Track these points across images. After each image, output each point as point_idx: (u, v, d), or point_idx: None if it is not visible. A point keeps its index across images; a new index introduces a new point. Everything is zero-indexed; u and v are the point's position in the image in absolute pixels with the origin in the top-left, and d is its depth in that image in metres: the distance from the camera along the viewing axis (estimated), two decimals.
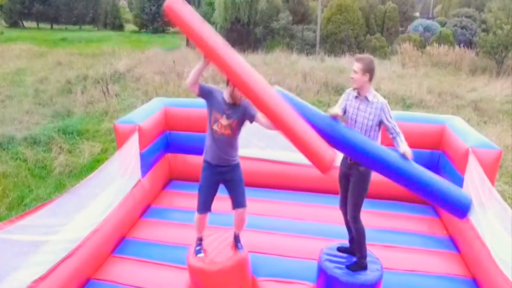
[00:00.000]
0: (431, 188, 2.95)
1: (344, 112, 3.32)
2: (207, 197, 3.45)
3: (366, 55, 3.22)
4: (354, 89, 3.24)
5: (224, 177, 3.40)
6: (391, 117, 3.20)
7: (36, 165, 7.36)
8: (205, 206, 3.46)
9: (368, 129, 3.22)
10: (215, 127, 3.26)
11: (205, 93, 3.25)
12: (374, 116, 3.18)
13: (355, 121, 3.25)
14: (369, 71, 3.11)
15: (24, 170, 7.10)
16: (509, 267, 3.38)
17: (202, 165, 3.42)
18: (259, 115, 3.22)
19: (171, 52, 18.67)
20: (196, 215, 3.49)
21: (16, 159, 7.49)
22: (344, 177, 3.45)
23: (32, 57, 18.21)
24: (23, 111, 10.27)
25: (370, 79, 3.15)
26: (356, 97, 3.25)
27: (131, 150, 4.62)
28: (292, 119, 2.87)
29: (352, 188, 3.36)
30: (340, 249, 3.69)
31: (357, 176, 3.31)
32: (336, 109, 3.18)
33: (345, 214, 3.56)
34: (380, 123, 3.22)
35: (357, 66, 3.12)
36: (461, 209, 2.92)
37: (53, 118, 9.91)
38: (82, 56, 18.50)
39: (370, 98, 3.18)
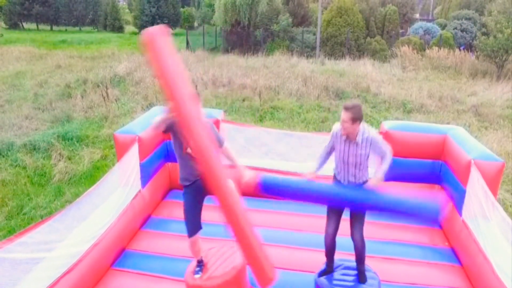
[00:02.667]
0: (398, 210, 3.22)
1: (331, 150, 3.44)
2: (195, 219, 3.43)
3: (354, 103, 3.21)
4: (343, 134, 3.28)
5: (207, 191, 3.24)
6: (381, 145, 3.26)
7: (36, 173, 7.29)
8: (195, 228, 3.44)
9: (358, 165, 3.32)
10: (189, 150, 3.20)
11: (169, 127, 3.17)
12: (364, 154, 3.27)
13: (347, 162, 3.32)
14: (359, 119, 3.16)
15: (23, 177, 7.05)
16: (511, 281, 3.35)
17: (183, 191, 3.41)
18: (226, 145, 3.44)
19: None
20: (189, 240, 3.45)
21: (16, 166, 7.43)
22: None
23: (32, 60, 18.19)
24: (22, 116, 10.18)
25: (359, 124, 3.20)
26: (345, 140, 3.29)
27: (131, 162, 4.59)
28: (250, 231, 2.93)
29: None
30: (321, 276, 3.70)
31: None
32: (310, 175, 3.44)
33: (332, 239, 3.59)
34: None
35: (346, 115, 3.14)
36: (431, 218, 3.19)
37: (52, 123, 9.83)
38: (81, 58, 18.48)
39: (359, 140, 3.23)
